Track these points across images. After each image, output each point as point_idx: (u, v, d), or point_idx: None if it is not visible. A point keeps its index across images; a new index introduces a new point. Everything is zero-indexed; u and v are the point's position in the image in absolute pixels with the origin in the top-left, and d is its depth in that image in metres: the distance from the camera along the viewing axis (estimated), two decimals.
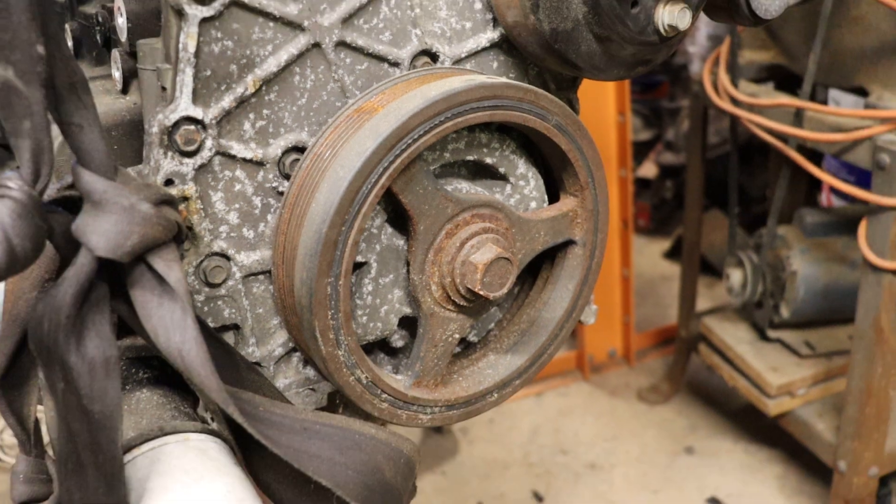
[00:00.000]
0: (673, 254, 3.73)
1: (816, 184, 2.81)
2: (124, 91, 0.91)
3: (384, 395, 0.78)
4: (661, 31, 0.81)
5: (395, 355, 0.87)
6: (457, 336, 0.82)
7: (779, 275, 2.24)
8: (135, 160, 0.87)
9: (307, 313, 0.70)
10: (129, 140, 0.88)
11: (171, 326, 0.62)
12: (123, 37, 0.84)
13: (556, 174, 0.85)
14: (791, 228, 2.27)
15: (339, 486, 0.70)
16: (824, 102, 2.19)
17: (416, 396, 0.80)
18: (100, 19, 1.00)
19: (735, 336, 2.40)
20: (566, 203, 0.85)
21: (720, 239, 3.19)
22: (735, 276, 2.28)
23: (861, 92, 1.98)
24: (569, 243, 0.87)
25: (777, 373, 2.26)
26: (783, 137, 2.02)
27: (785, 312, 2.25)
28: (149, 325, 0.63)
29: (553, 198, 0.87)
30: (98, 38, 1.01)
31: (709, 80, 2.26)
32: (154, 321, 0.62)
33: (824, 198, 2.82)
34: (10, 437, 2.87)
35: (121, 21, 0.84)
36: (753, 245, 2.29)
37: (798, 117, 1.95)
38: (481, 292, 0.76)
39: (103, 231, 0.60)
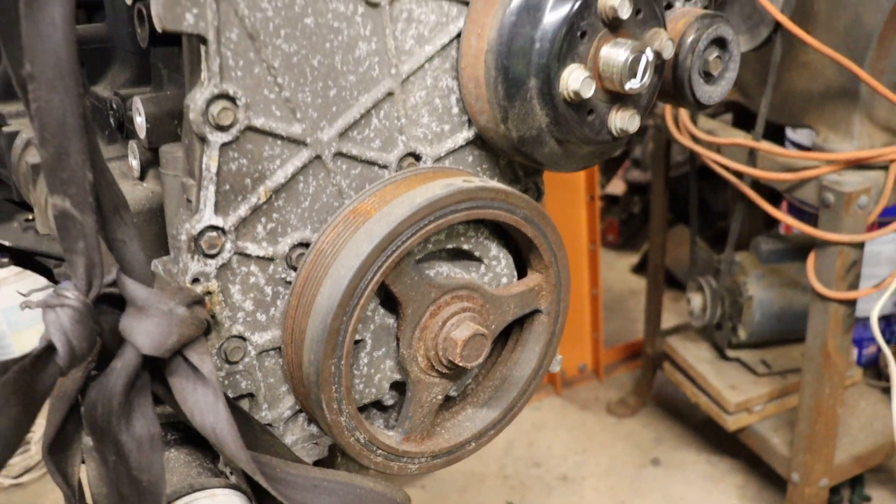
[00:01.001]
0: (641, 268, 3.89)
1: None
2: (141, 178, 1.02)
3: (379, 451, 0.90)
4: (614, 133, 0.94)
5: (385, 410, 1.00)
6: (440, 397, 0.95)
7: (736, 299, 2.39)
8: (154, 244, 0.99)
9: (315, 388, 0.83)
10: (149, 225, 0.99)
11: (205, 409, 0.74)
12: (142, 135, 0.95)
13: (523, 255, 0.98)
14: (748, 255, 2.42)
15: None
16: (782, 137, 2.34)
17: (406, 450, 0.93)
18: (114, 106, 1.11)
19: (696, 355, 2.55)
20: (532, 279, 0.99)
21: (685, 254, 3.34)
22: (696, 300, 2.43)
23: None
24: (535, 312, 1.00)
25: (735, 391, 2.41)
26: (739, 174, 2.17)
27: (742, 334, 2.40)
28: (185, 406, 0.75)
29: (521, 272, 1.00)
30: (112, 121, 1.12)
31: (670, 116, 2.40)
32: (190, 404, 0.75)
33: (782, 224, 2.97)
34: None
35: (139, 120, 0.96)
36: (713, 271, 2.43)
37: (752, 155, 2.09)
38: (461, 364, 0.89)
39: (147, 332, 0.73)
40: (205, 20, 0.74)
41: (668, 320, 3.00)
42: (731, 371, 2.48)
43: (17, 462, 2.92)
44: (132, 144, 1.02)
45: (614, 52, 0.88)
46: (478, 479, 2.76)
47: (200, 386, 0.75)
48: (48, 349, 0.71)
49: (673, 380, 2.66)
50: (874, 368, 2.95)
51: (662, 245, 2.77)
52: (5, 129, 1.32)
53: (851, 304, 2.01)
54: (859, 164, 1.91)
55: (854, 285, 1.98)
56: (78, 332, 0.71)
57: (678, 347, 2.60)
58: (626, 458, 2.82)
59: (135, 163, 1.02)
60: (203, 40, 0.75)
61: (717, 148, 2.20)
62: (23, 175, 1.25)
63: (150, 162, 1.01)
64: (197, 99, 0.76)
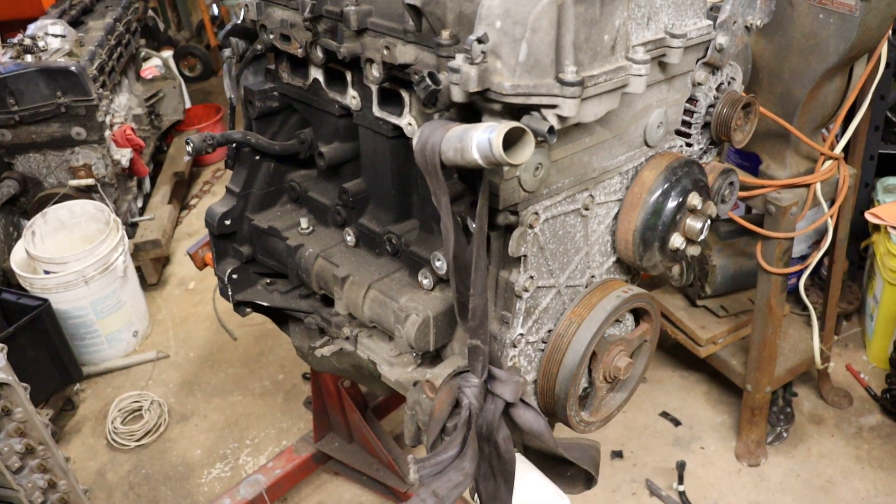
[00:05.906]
0: None
1: None
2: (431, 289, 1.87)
3: (581, 422, 1.82)
4: (688, 256, 1.84)
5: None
6: (605, 392, 1.86)
7: (704, 266, 3.35)
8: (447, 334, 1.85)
9: (562, 400, 1.73)
10: (446, 319, 1.84)
11: (532, 420, 1.63)
12: (440, 273, 1.81)
13: (640, 313, 1.89)
14: (711, 233, 3.37)
15: (582, 462, 1.76)
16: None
17: (590, 420, 1.85)
18: (392, 241, 1.95)
19: (674, 304, 3.51)
20: (643, 326, 1.90)
21: None
22: (675, 268, 3.36)
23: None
24: (645, 341, 1.92)
25: (704, 329, 3.38)
26: None
27: (708, 290, 3.37)
28: (520, 420, 1.63)
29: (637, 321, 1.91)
30: (388, 248, 1.96)
31: None
32: (524, 419, 1.63)
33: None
34: (122, 426, 3.71)
35: (438, 264, 1.81)
36: None
37: None
38: (622, 377, 1.81)
39: (509, 391, 1.60)
40: (527, 248, 1.60)
41: None
42: (700, 315, 3.44)
43: (138, 427, 3.69)
44: (424, 272, 1.87)
45: (694, 224, 1.77)
46: None
47: (529, 410, 1.64)
48: (465, 406, 1.59)
49: None
50: (795, 294, 3.98)
51: None
52: (290, 242, 2.11)
53: (785, 276, 2.98)
54: (790, 185, 2.85)
55: (787, 263, 2.95)
56: (479, 400, 1.60)
57: (660, 298, 3.55)
58: None
59: (426, 281, 1.87)
60: (525, 256, 1.61)
61: None
62: (316, 275, 2.06)
63: (439, 279, 1.86)
64: (519, 280, 1.63)
